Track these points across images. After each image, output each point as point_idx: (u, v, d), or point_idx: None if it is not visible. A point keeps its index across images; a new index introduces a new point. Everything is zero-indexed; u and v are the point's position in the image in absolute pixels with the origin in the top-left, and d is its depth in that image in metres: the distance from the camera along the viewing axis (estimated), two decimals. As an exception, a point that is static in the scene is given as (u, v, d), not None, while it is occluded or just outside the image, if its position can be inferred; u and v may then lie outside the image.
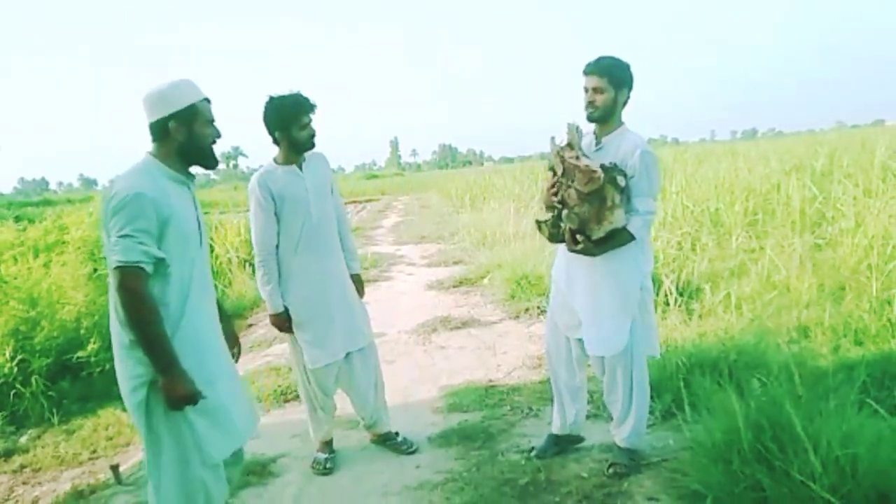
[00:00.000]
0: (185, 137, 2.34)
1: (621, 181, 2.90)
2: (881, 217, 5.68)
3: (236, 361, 2.77)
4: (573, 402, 3.37)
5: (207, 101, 2.41)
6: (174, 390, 2.23)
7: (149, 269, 2.20)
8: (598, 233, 2.91)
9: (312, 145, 3.38)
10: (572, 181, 2.92)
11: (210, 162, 2.46)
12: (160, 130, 2.34)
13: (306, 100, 3.29)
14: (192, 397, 2.26)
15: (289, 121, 3.26)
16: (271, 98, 3.28)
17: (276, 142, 3.37)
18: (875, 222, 5.58)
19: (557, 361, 3.35)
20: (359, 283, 3.70)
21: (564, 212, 3.00)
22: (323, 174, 3.49)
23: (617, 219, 2.89)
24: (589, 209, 2.90)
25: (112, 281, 2.23)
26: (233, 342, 2.76)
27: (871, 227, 5.53)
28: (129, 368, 2.30)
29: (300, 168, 3.38)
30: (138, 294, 2.19)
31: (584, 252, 2.99)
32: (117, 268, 2.17)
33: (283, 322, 3.43)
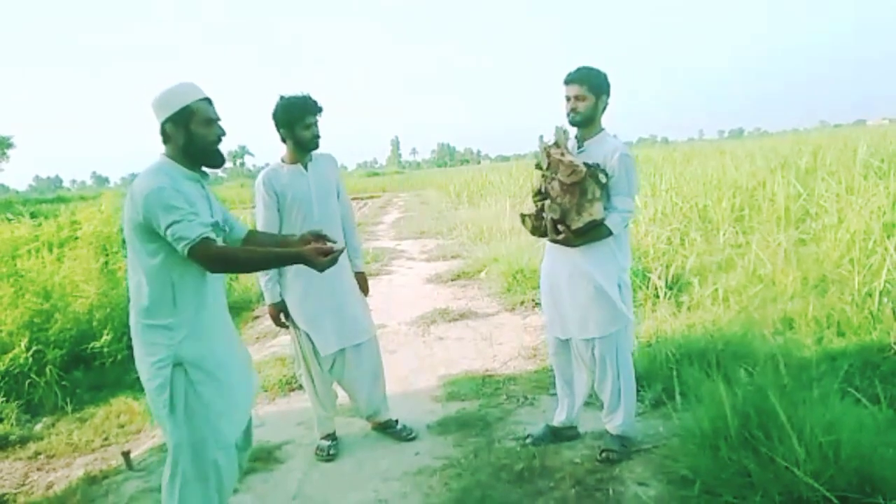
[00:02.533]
0: (184, 138, 2.32)
1: (602, 178, 2.98)
2: (863, 213, 5.67)
3: None
4: (579, 394, 3.39)
5: (207, 101, 2.37)
6: (315, 262, 2.28)
7: (212, 235, 2.25)
8: (578, 223, 2.96)
9: (316, 146, 3.38)
10: (556, 173, 3.00)
11: (214, 160, 2.42)
12: (163, 133, 2.35)
13: (313, 102, 3.30)
14: (330, 255, 2.30)
15: (294, 120, 3.27)
16: (281, 97, 3.31)
17: (283, 140, 3.38)
18: (857, 218, 5.58)
19: (560, 357, 3.37)
20: (362, 281, 3.69)
21: (547, 202, 3.06)
22: (329, 175, 3.49)
23: (596, 211, 2.95)
24: (570, 200, 2.97)
25: (195, 263, 2.24)
26: None
27: (852, 223, 5.52)
28: (149, 353, 2.30)
29: (305, 167, 3.39)
30: (220, 255, 2.28)
31: (564, 242, 3.04)
32: (189, 251, 2.19)
33: (278, 313, 3.45)
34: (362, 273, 3.70)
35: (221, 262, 2.31)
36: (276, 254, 2.49)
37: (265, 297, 3.50)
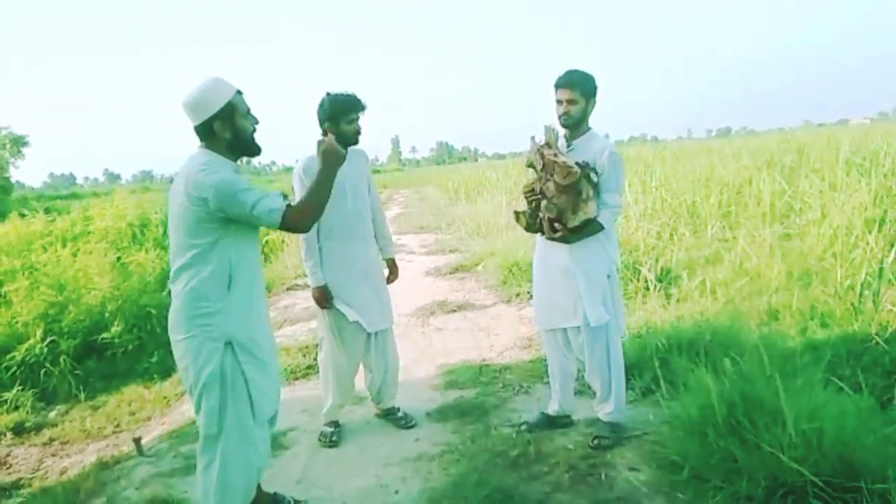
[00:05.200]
0: (230, 134, 2.36)
1: (594, 177, 3.01)
2: (845, 209, 5.66)
3: None
4: (569, 384, 3.40)
5: (240, 92, 2.40)
6: (332, 155, 2.43)
7: (289, 201, 2.34)
8: (574, 221, 3.00)
9: (356, 141, 3.40)
10: (551, 175, 3.02)
11: (254, 150, 2.47)
12: (206, 131, 2.35)
13: (358, 100, 3.34)
14: (341, 152, 2.47)
15: (339, 115, 3.29)
16: (328, 94, 3.33)
17: (324, 133, 3.35)
18: (839, 214, 5.57)
19: (553, 348, 3.37)
20: (393, 266, 3.76)
21: (543, 202, 3.09)
22: (361, 169, 3.51)
23: (590, 209, 2.98)
24: (566, 200, 2.99)
25: (282, 229, 2.34)
26: None
27: (835, 219, 5.51)
28: (200, 334, 2.30)
29: None
30: (306, 208, 2.36)
31: (561, 239, 3.07)
32: (282, 218, 2.27)
33: (323, 295, 3.41)
34: (393, 259, 3.75)
35: (311, 212, 2.37)
36: (320, 177, 2.44)
37: (310, 281, 3.46)
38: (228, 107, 2.33)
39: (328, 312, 3.47)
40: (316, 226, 3.36)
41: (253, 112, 2.45)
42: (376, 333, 3.56)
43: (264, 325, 2.55)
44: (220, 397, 2.34)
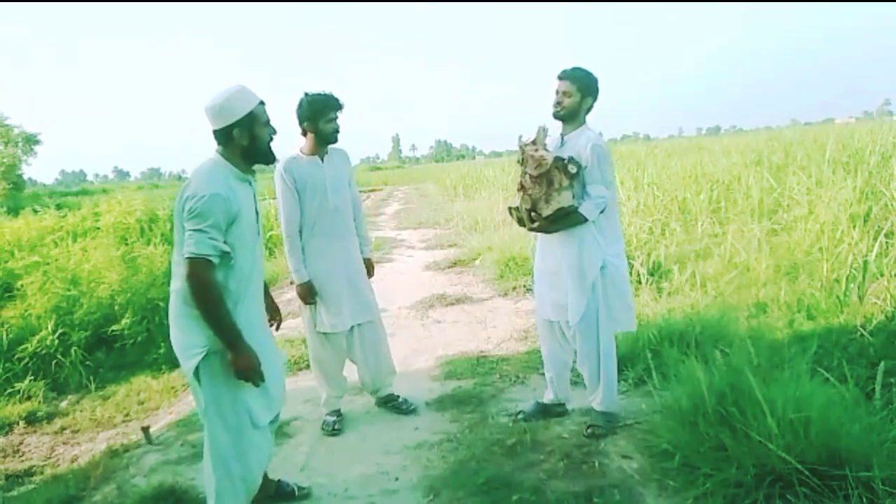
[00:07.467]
0: (247, 141, 2.35)
1: (572, 168, 2.97)
2: (831, 205, 5.65)
3: (277, 329, 2.84)
4: (564, 373, 3.39)
5: (262, 103, 2.40)
6: (242, 363, 2.27)
7: (215, 260, 2.23)
8: (547, 210, 2.99)
9: (335, 139, 3.40)
10: (528, 167, 3.03)
11: (269, 158, 2.47)
12: (224, 137, 2.34)
13: (336, 99, 3.33)
14: (257, 368, 2.30)
15: (318, 114, 3.29)
16: (306, 94, 3.32)
17: (304, 133, 3.38)
18: (825, 210, 5.56)
19: (548, 338, 3.36)
20: (369, 266, 3.70)
21: (521, 194, 3.10)
22: (342, 168, 3.49)
23: (564, 199, 2.96)
24: (539, 190, 3.00)
25: (182, 269, 2.24)
26: (275, 312, 2.82)
27: (821, 215, 5.51)
28: (188, 339, 2.30)
29: (321, 159, 3.39)
30: (206, 282, 2.22)
31: (539, 229, 3.08)
32: (189, 258, 2.19)
33: (307, 291, 3.41)
34: (369, 259, 3.71)
35: (201, 290, 2.22)
36: (233, 327, 2.27)
37: (294, 278, 3.45)
38: (250, 116, 2.33)
39: (311, 308, 3.47)
40: (299, 223, 3.38)
41: (272, 123, 2.44)
42: (360, 326, 3.54)
43: (259, 333, 2.46)
44: (211, 396, 2.32)
